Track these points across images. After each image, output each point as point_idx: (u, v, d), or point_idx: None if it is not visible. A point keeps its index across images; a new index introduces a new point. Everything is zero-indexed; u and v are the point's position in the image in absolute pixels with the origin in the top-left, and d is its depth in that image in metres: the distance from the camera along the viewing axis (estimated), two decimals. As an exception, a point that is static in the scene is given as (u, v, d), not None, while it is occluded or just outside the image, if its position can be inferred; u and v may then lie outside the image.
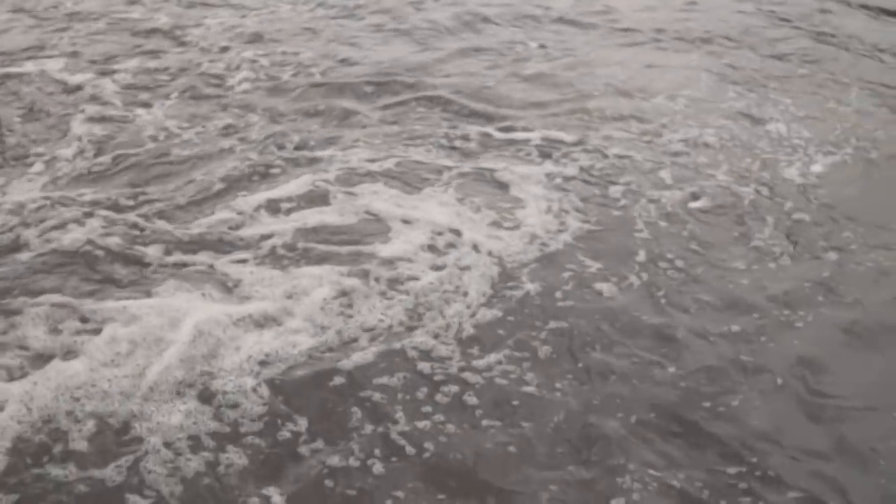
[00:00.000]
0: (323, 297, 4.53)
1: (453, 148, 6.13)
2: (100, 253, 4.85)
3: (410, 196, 5.51)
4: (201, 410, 3.82)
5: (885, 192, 5.71)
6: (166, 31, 8.40)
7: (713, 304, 4.59)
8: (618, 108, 6.82)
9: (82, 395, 3.87)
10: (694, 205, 5.47)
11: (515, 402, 3.92)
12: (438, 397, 3.93)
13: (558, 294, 4.62)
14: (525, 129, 6.40)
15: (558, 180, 5.70)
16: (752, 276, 4.82)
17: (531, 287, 4.66)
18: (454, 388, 3.98)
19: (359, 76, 7.34)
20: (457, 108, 6.78)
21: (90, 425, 3.71)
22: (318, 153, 6.01)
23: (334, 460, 3.61)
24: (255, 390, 3.93)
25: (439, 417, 3.83)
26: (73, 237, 4.96)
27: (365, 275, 4.72)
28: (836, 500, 3.49)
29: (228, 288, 4.60)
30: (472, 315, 4.44)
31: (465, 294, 4.59)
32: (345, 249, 4.96)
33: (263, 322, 4.36)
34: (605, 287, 4.69)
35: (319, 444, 3.69)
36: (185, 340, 4.17)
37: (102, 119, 6.50)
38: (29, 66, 7.46)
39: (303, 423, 3.78)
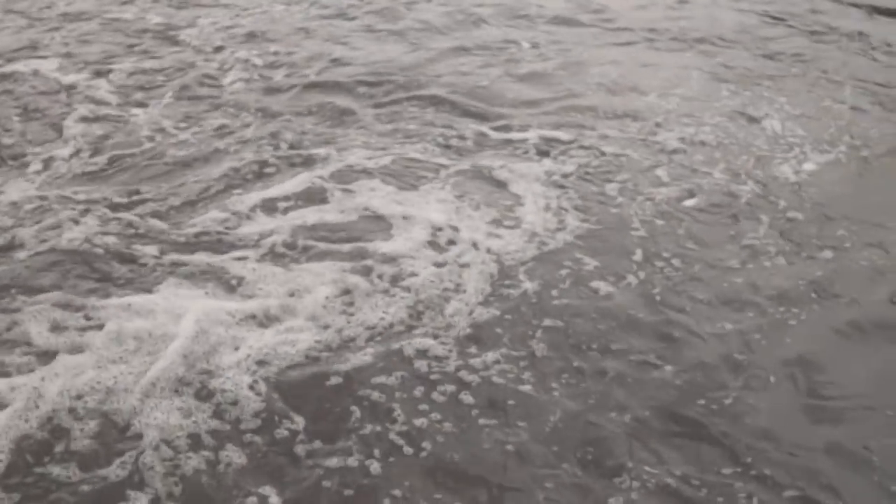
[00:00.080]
0: (325, 295, 4.54)
1: (448, 146, 6.14)
2: (98, 252, 4.86)
3: (408, 193, 5.52)
4: (201, 408, 3.83)
5: (879, 190, 5.72)
6: (159, 32, 8.38)
7: (709, 303, 4.60)
8: (612, 107, 6.83)
9: (85, 392, 3.88)
10: (689, 203, 5.48)
11: (512, 401, 3.93)
12: (436, 396, 3.94)
13: (555, 292, 4.63)
14: (520, 128, 6.41)
15: (556, 178, 5.72)
16: (747, 274, 4.84)
17: (529, 285, 4.67)
18: (451, 388, 3.99)
19: (353, 76, 7.34)
20: (451, 107, 6.78)
21: (92, 424, 3.73)
22: (314, 152, 6.01)
23: (333, 459, 3.62)
24: (254, 388, 3.94)
25: (436, 416, 3.84)
26: (71, 236, 4.97)
27: (367, 272, 4.74)
28: (832, 498, 3.50)
29: (231, 286, 4.62)
30: (471, 313, 4.45)
31: (464, 292, 4.60)
32: (346, 247, 4.97)
33: (265, 320, 4.37)
34: (601, 285, 4.70)
35: (318, 443, 3.70)
36: (187, 337, 4.19)
37: (98, 119, 6.51)
38: (23, 67, 7.45)
39: (301, 422, 3.79)
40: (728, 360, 4.21)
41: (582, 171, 5.82)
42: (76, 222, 5.11)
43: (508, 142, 6.23)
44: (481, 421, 3.83)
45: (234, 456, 3.62)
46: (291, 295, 4.55)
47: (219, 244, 4.99)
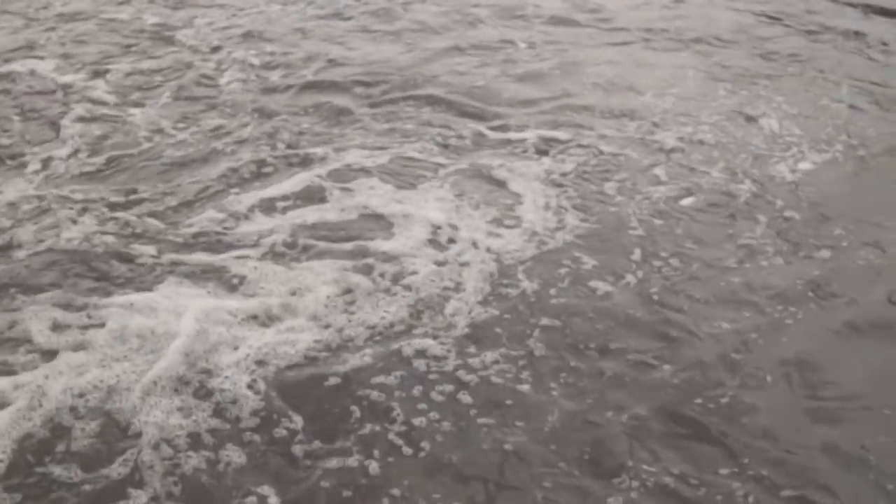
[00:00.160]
0: (327, 294, 4.54)
1: (447, 146, 6.14)
2: (97, 251, 4.86)
3: (407, 192, 5.53)
4: (201, 407, 3.83)
5: (876, 189, 5.73)
6: (156, 32, 8.36)
7: (707, 302, 4.61)
8: (609, 107, 6.83)
9: (87, 390, 3.88)
10: (687, 202, 5.49)
11: (511, 401, 3.94)
12: (435, 396, 3.95)
13: (554, 291, 4.64)
14: (518, 128, 6.42)
15: (554, 177, 5.73)
16: (744, 273, 4.84)
17: (528, 285, 4.68)
18: (450, 388, 3.99)
19: (350, 76, 7.33)
20: (449, 106, 6.78)
21: (93, 422, 3.73)
22: (311, 151, 6.01)
23: (332, 458, 3.62)
24: (254, 388, 3.94)
25: (435, 416, 3.85)
26: (69, 236, 4.98)
27: (368, 270, 4.75)
28: (829, 498, 3.51)
29: (233, 285, 4.63)
30: (470, 312, 4.46)
31: (464, 291, 4.61)
32: (346, 246, 4.98)
33: (267, 319, 4.38)
34: (600, 285, 4.71)
35: (317, 442, 3.70)
36: (189, 336, 4.20)
37: (95, 119, 6.50)
38: (20, 67, 7.43)
39: (301, 422, 3.79)
40: (726, 360, 4.21)
41: (580, 171, 5.83)
42: (74, 222, 5.12)
43: (506, 141, 6.24)
44: (480, 420, 3.84)
45: (233, 455, 3.62)
46: (293, 294, 4.56)
47: (218, 244, 4.99)
